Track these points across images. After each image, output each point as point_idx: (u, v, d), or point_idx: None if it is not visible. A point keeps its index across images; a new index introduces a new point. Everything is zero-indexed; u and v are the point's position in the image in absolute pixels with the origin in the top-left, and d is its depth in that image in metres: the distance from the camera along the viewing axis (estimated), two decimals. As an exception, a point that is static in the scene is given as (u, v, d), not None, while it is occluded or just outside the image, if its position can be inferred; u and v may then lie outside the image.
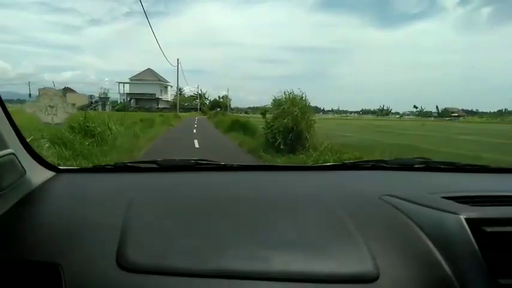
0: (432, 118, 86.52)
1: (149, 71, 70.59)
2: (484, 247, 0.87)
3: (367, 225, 0.99)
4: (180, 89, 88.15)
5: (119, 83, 68.23)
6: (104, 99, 60.80)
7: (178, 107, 52.11)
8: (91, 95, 70.52)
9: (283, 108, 10.46)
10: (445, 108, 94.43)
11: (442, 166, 1.61)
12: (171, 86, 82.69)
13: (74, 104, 8.76)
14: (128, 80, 69.67)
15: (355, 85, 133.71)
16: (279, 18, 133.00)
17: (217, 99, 79.45)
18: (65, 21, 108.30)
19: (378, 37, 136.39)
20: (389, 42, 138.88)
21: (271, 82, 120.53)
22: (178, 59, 46.12)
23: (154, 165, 1.46)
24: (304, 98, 10.79)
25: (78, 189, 1.26)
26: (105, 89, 70.67)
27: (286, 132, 10.02)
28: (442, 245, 0.90)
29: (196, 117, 50.72)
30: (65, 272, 0.83)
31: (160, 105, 71.33)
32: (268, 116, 12.14)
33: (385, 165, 1.60)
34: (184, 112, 60.60)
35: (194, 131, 22.01)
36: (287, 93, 10.90)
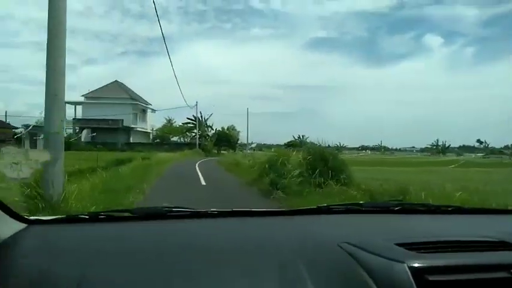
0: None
1: (116, 84, 45.88)
2: None
3: (321, 273, 1.03)
4: (169, 120, 62.09)
5: (66, 103, 42.77)
6: (37, 129, 33.74)
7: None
8: (27, 125, 45.06)
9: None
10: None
11: (418, 208, 1.76)
12: (153, 111, 57.25)
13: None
14: (81, 98, 44.79)
15: (348, 122, 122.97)
16: (270, 57, 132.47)
17: (224, 130, 53.72)
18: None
19: (367, 75, 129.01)
20: (378, 80, 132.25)
21: (263, 119, 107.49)
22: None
23: (128, 214, 1.51)
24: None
25: (48, 241, 1.26)
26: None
27: None
28: None
29: (198, 162, 25.32)
30: None
31: (133, 139, 46.16)
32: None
33: (360, 208, 1.69)
34: (170, 151, 35.42)
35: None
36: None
